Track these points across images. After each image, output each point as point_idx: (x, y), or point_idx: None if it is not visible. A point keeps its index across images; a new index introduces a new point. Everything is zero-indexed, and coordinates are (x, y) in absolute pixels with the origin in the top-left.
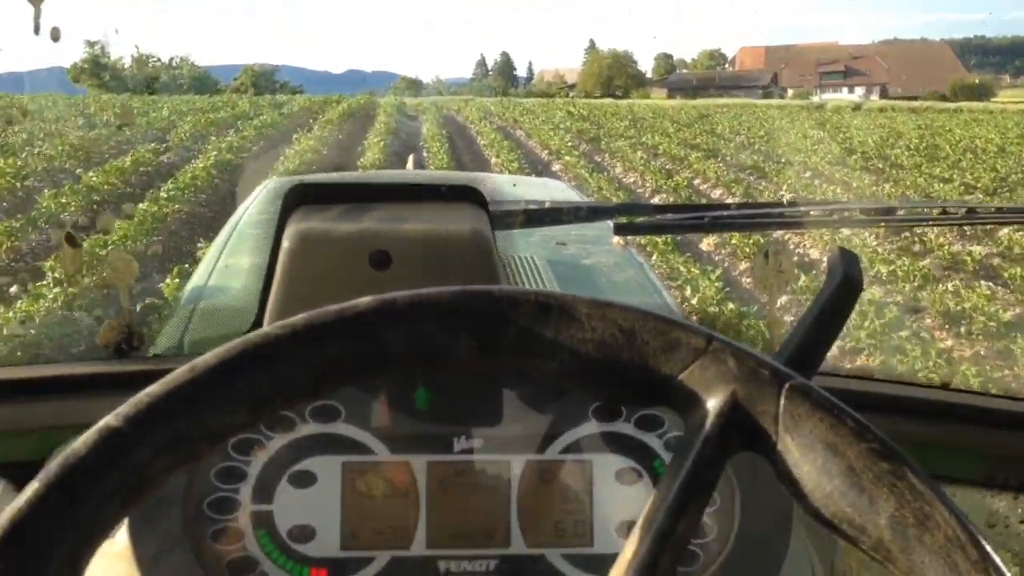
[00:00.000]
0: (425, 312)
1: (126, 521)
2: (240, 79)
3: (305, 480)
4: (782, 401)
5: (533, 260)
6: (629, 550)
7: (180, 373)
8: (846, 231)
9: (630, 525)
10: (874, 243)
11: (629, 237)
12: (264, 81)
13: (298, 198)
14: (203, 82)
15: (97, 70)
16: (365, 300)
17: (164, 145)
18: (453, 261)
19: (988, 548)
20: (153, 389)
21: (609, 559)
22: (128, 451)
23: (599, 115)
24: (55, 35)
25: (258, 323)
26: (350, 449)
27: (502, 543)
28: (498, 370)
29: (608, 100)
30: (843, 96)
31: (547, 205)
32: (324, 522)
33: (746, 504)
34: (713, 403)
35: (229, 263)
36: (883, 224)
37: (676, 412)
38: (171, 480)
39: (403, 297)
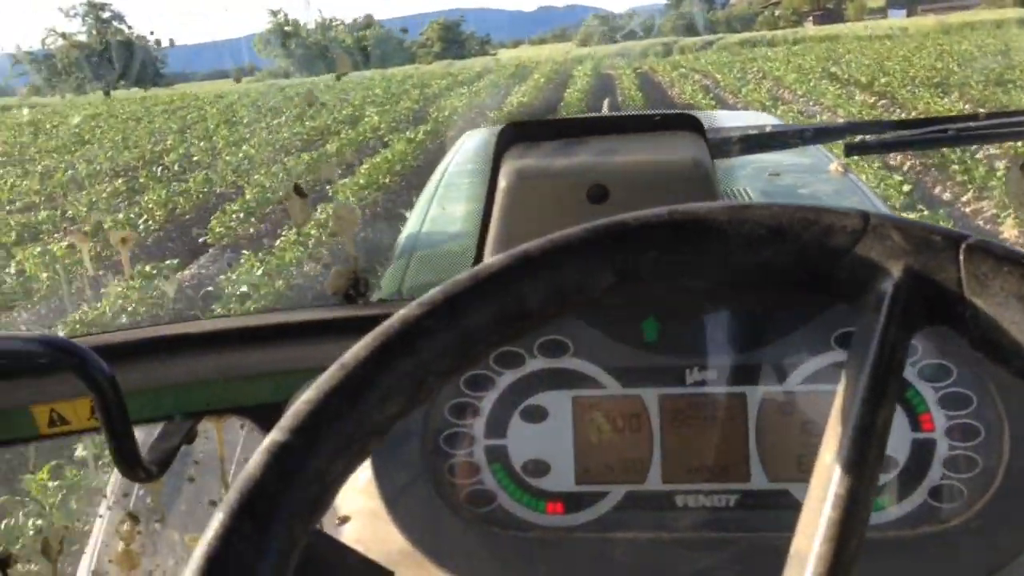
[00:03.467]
0: (560, 257)
1: (369, 458)
2: (426, 34)
3: (536, 415)
4: (962, 263)
5: (746, 192)
6: (828, 452)
7: (333, 372)
8: None
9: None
10: None
11: (849, 161)
12: (450, 35)
13: (512, 136)
14: (388, 43)
15: (283, 39)
16: (498, 258)
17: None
18: (673, 191)
19: None
20: (309, 395)
21: None
22: (301, 463)
23: (866, 63)
24: None
25: (477, 263)
26: (580, 383)
27: (741, 477)
28: (653, 294)
29: (831, 28)
30: None
31: (768, 130)
32: (557, 456)
33: (1016, 436)
34: (886, 282)
35: (439, 212)
36: None
37: (845, 301)
38: (349, 477)
39: (535, 247)
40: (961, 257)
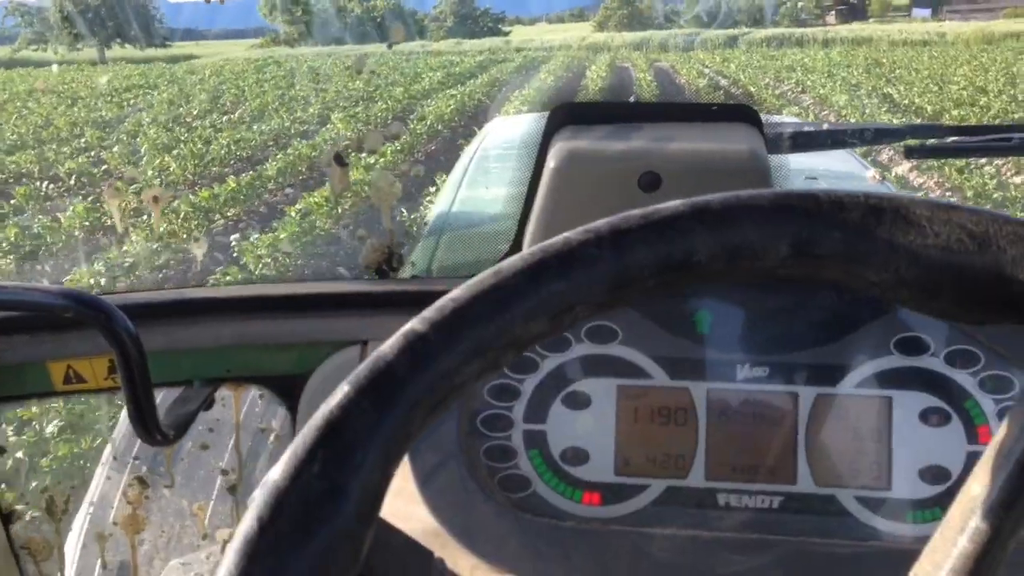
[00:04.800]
0: (740, 215)
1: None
2: (439, 8)
3: (579, 402)
4: None
5: None
6: (978, 483)
7: (485, 277)
8: None
9: (935, 470)
10: None
11: (889, 173)
12: (464, 8)
13: (563, 118)
14: (397, 14)
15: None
16: (674, 204)
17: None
18: (728, 184)
19: None
20: (457, 294)
21: (908, 504)
22: (434, 357)
23: (922, 81)
24: None
25: (517, 246)
26: (626, 372)
27: (787, 479)
28: (823, 279)
29: (861, 27)
30: None
31: (825, 127)
32: (598, 446)
33: None
34: None
35: (469, 194)
36: None
37: None
38: (475, 388)
39: (717, 200)
40: None
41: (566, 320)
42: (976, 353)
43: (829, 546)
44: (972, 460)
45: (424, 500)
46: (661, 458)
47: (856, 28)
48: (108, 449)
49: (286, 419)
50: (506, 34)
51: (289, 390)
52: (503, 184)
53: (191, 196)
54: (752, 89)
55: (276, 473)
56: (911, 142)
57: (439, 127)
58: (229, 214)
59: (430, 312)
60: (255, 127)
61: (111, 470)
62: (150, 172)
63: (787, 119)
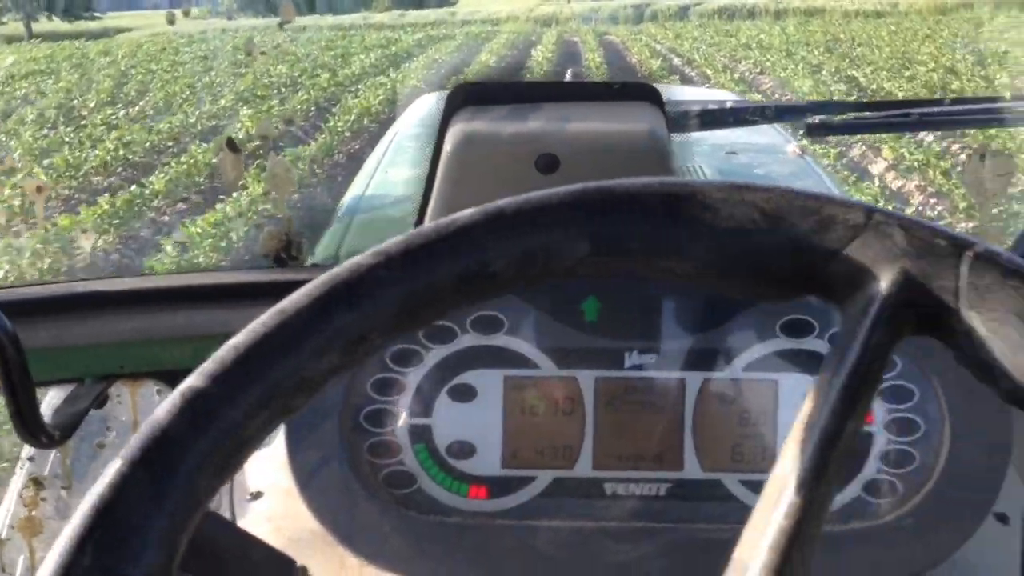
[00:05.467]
0: (535, 218)
1: (283, 431)
2: None
3: (465, 394)
4: (963, 272)
5: (702, 169)
6: (788, 458)
7: (268, 316)
8: None
9: None
10: None
11: (809, 144)
12: None
13: (462, 98)
14: None
15: None
16: (467, 213)
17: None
18: (628, 165)
19: None
20: (238, 340)
21: None
22: (216, 413)
23: (885, 58)
24: None
25: None
26: (513, 362)
27: (674, 466)
28: (627, 273)
29: None
30: None
31: (728, 105)
32: (484, 438)
33: (957, 433)
34: (880, 283)
35: (385, 176)
36: None
37: (835, 300)
38: (266, 437)
39: (510, 205)
40: (964, 265)
41: (360, 351)
42: None
43: (714, 531)
44: None
45: (305, 501)
46: (548, 449)
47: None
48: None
49: None
50: (453, 3)
51: None
52: (418, 165)
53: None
54: (708, 72)
55: (46, 570)
56: (812, 119)
57: (365, 121)
58: (99, 244)
59: (208, 364)
60: (157, 122)
61: (3, 472)
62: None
63: (692, 98)
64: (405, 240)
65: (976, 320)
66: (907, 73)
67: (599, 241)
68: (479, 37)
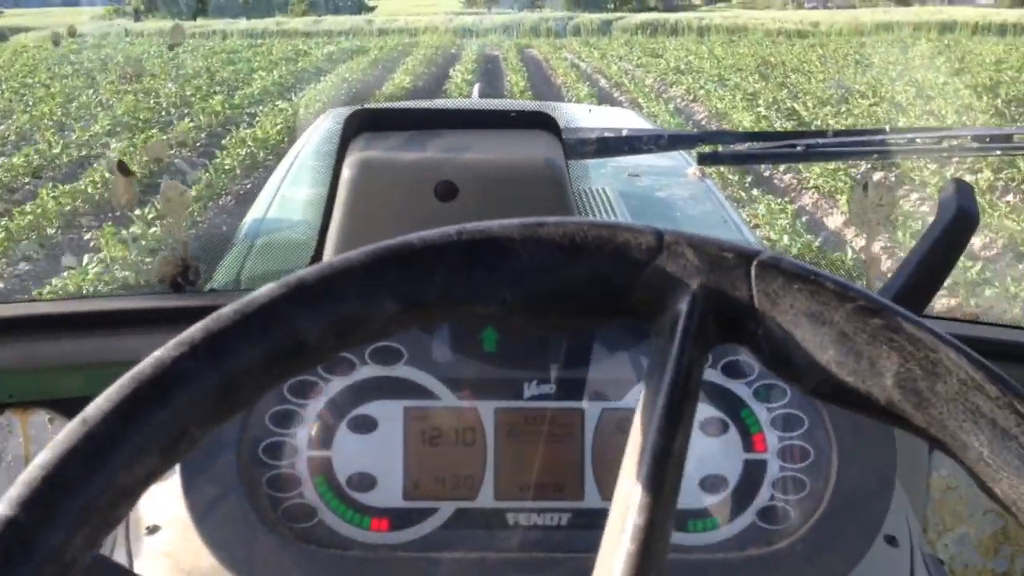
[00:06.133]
0: (339, 283)
1: (178, 466)
2: None
3: (365, 425)
4: (753, 280)
5: (605, 192)
6: (625, 480)
7: (72, 428)
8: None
9: (714, 479)
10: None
11: (708, 169)
12: None
13: (359, 124)
14: None
15: None
16: (268, 288)
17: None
18: (524, 192)
19: (1008, 380)
20: (43, 459)
21: (689, 515)
22: (29, 543)
23: (822, 87)
24: None
25: (317, 257)
26: (412, 393)
27: (575, 495)
28: (437, 323)
29: (734, 13)
30: None
31: (624, 133)
32: (385, 470)
33: (844, 458)
34: (679, 301)
35: (288, 195)
36: (1001, 152)
37: (643, 319)
38: (92, 550)
39: (311, 274)
40: (753, 274)
41: (182, 447)
42: (750, 364)
43: None
44: (749, 467)
45: (201, 535)
46: (450, 480)
47: (730, 16)
48: None
49: None
50: (371, 9)
51: (78, 412)
52: (320, 185)
53: None
54: (640, 99)
55: None
56: (704, 149)
57: (260, 154)
58: None
59: (16, 489)
60: (9, 156)
61: None
62: None
63: (592, 121)
64: (206, 326)
65: (771, 323)
66: (844, 108)
67: (403, 297)
68: (394, 51)
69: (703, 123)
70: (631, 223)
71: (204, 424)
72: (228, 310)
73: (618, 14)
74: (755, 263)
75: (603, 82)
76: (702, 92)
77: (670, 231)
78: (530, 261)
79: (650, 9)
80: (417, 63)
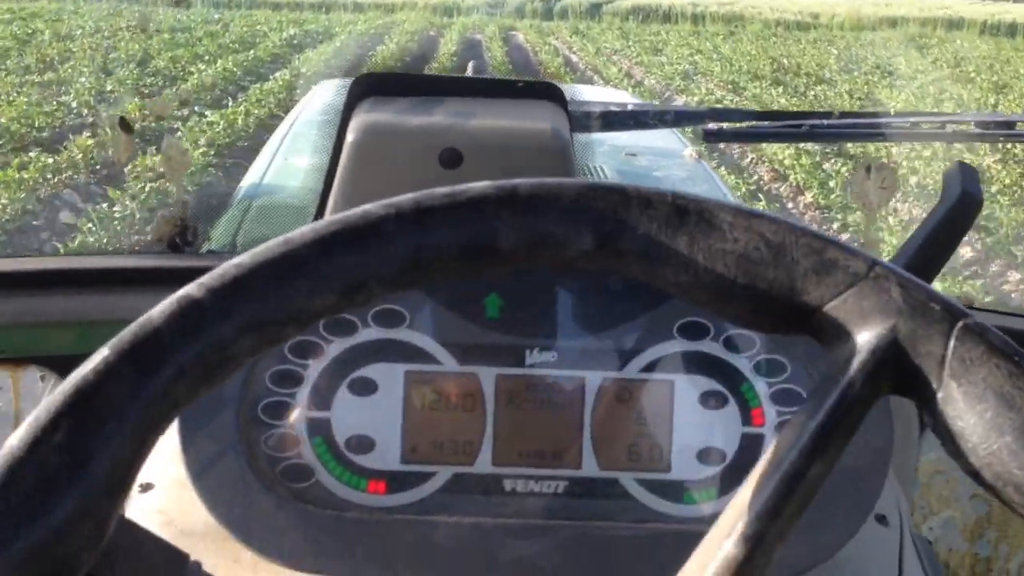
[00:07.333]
0: (547, 203)
1: (177, 422)
2: None
3: (365, 388)
4: (952, 342)
5: (602, 170)
6: (748, 491)
7: (273, 245)
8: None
9: (712, 452)
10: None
11: (702, 150)
12: None
13: (366, 89)
14: None
15: None
16: (481, 185)
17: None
18: (529, 162)
19: None
20: (241, 260)
21: (686, 485)
22: (208, 325)
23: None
24: None
25: (318, 219)
26: (414, 357)
27: (573, 464)
28: (622, 274)
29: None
30: None
31: (630, 107)
32: (384, 433)
33: None
34: (867, 336)
35: (286, 161)
36: (1003, 139)
37: (823, 342)
38: (250, 361)
39: (524, 185)
40: (954, 334)
41: (357, 298)
42: (752, 337)
43: (610, 529)
44: (746, 441)
45: (198, 493)
46: (448, 445)
47: (725, 3)
48: None
49: None
50: None
51: (73, 369)
52: (319, 153)
53: None
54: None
55: (15, 439)
56: (710, 125)
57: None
58: None
59: (209, 277)
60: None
61: None
62: None
63: (594, 98)
64: (416, 197)
65: (956, 391)
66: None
67: (603, 238)
68: (364, 35)
69: (723, 152)
70: (849, 244)
71: (385, 283)
72: (440, 191)
73: None
74: (961, 324)
75: (599, 83)
76: (712, 97)
77: (885, 264)
78: (734, 245)
79: None
80: (388, 55)
